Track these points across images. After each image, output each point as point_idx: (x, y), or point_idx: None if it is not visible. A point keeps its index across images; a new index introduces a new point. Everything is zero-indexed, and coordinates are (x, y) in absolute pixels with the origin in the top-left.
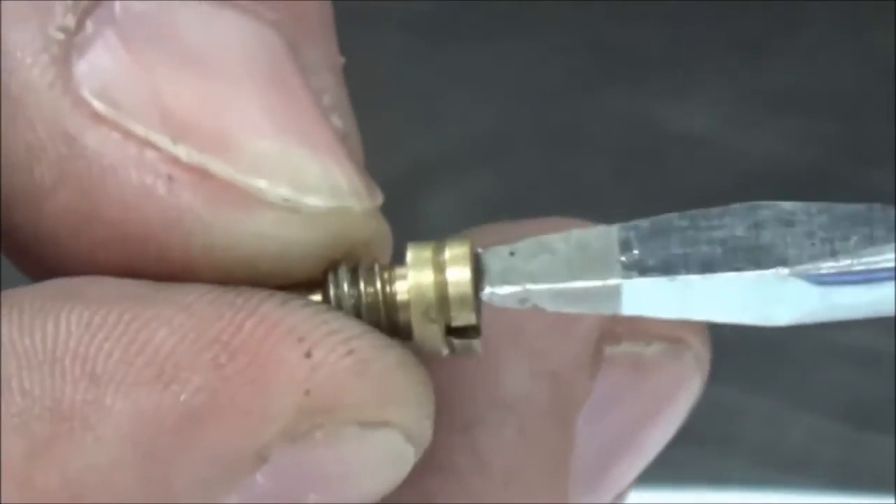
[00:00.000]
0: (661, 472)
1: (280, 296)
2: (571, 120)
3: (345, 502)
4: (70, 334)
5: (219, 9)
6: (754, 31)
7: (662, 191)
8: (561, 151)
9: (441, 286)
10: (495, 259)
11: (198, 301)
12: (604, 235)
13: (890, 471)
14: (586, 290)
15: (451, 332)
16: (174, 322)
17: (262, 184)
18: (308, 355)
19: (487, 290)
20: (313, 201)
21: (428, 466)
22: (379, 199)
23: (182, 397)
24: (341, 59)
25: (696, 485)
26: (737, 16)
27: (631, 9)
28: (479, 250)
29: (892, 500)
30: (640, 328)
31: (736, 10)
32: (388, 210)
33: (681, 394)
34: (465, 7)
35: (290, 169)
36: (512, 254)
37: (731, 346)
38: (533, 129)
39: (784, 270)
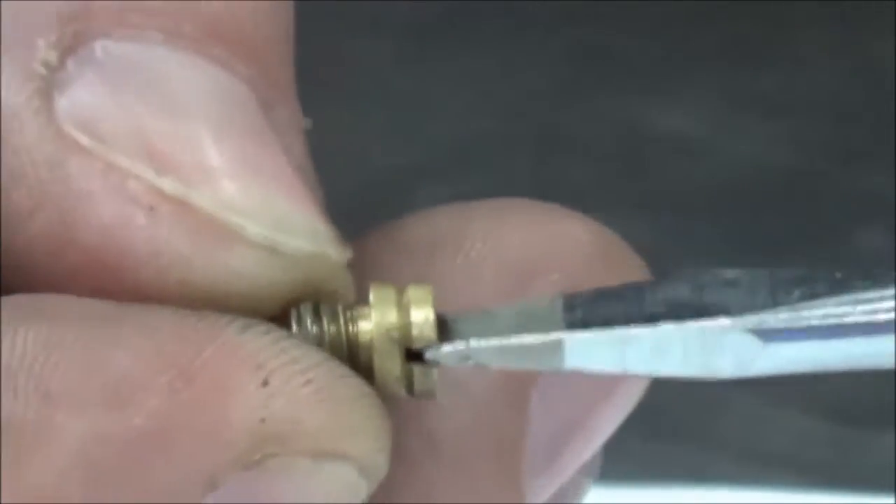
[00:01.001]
0: (643, 469)
1: (241, 322)
2: (560, 124)
3: None
4: (26, 351)
5: (196, 57)
6: (744, 34)
7: (651, 194)
8: (549, 155)
9: (405, 324)
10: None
11: (158, 324)
12: (548, 301)
13: (874, 469)
14: (529, 346)
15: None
16: (133, 344)
17: (244, 221)
18: (265, 383)
19: (430, 350)
20: (294, 243)
21: None
22: (350, 253)
23: (135, 421)
24: (308, 123)
25: (679, 482)
26: (726, 19)
27: (620, 13)
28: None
29: (876, 499)
30: None
31: (726, 14)
32: (377, 214)
33: None
34: (453, 13)
35: (272, 210)
36: (455, 321)
37: None
38: (522, 133)
39: (726, 322)
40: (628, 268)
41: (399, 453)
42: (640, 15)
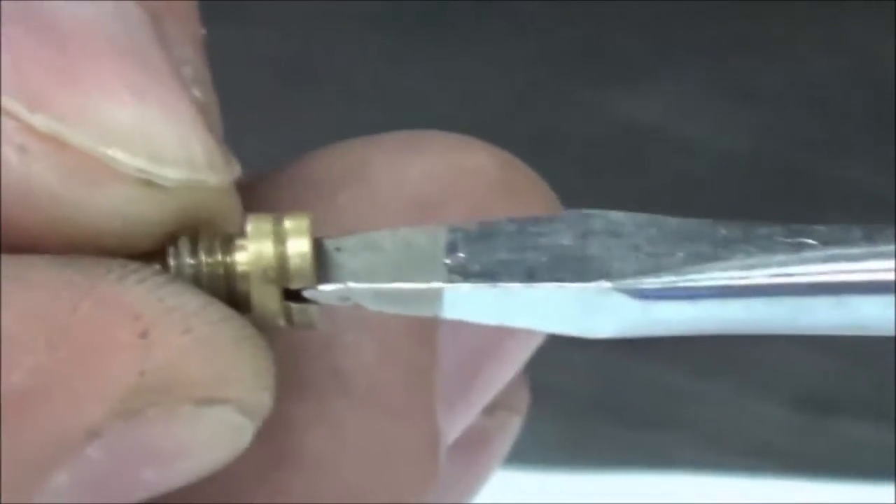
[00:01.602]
0: (610, 455)
1: (118, 272)
2: (541, 118)
3: (180, 478)
4: None
5: None
6: (721, 24)
7: (632, 186)
8: (530, 149)
9: (281, 256)
10: (321, 254)
11: (35, 278)
12: (432, 235)
13: (842, 457)
14: (408, 293)
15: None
16: (11, 302)
17: (117, 154)
18: (144, 335)
19: (308, 290)
20: (168, 173)
21: (287, 391)
22: (236, 171)
23: (13, 378)
24: (202, 31)
25: (646, 469)
26: (705, 10)
27: (602, 9)
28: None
29: (842, 485)
30: None
31: (705, 8)
32: None
33: None
34: (439, 10)
35: (147, 139)
36: (338, 249)
37: None
38: (503, 127)
39: (606, 284)
40: (534, 195)
41: (307, 391)
42: (621, 8)
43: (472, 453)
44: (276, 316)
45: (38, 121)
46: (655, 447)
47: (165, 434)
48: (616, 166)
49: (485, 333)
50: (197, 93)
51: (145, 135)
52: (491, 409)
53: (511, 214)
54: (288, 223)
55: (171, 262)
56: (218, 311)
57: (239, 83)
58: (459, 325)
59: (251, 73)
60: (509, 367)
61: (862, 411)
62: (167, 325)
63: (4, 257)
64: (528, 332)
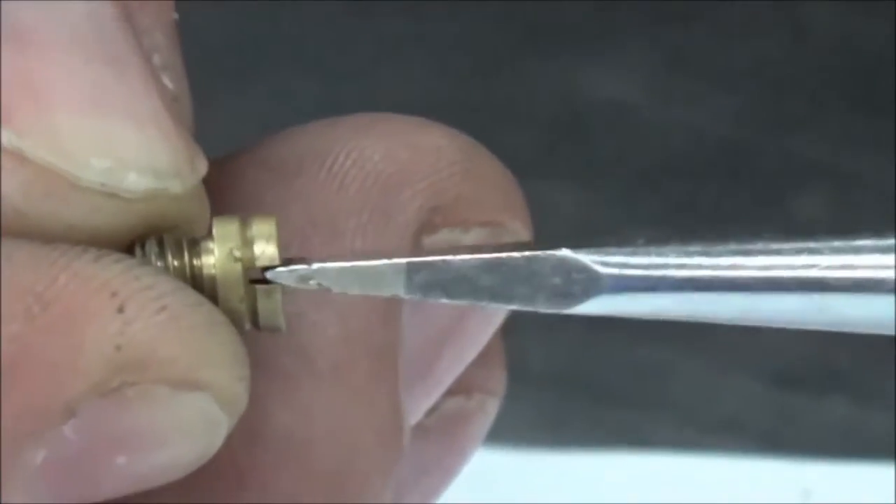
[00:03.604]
0: (586, 434)
1: (94, 252)
2: (497, 91)
3: (151, 472)
4: None
5: None
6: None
7: (589, 161)
8: (487, 123)
9: (248, 260)
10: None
11: (15, 252)
12: (391, 267)
13: (818, 435)
14: (370, 271)
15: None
16: None
17: (77, 169)
18: (120, 310)
19: (271, 272)
20: (131, 184)
21: (254, 371)
22: (202, 169)
23: None
24: (174, 16)
25: (622, 447)
26: None
27: None
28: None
29: (820, 464)
30: (458, 216)
31: None
32: None
33: None
34: None
35: (109, 151)
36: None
37: None
38: (459, 101)
39: (567, 251)
40: (491, 174)
41: (273, 372)
42: None
43: (451, 435)
44: (241, 315)
45: (3, 137)
46: (633, 425)
47: (142, 416)
48: (578, 141)
49: (447, 313)
50: (167, 81)
51: (107, 147)
52: (469, 392)
53: (470, 195)
54: (255, 227)
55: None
56: (191, 295)
57: (202, 59)
58: (422, 306)
59: (214, 49)
60: (472, 347)
61: (841, 389)
62: (143, 301)
63: None
64: (490, 312)
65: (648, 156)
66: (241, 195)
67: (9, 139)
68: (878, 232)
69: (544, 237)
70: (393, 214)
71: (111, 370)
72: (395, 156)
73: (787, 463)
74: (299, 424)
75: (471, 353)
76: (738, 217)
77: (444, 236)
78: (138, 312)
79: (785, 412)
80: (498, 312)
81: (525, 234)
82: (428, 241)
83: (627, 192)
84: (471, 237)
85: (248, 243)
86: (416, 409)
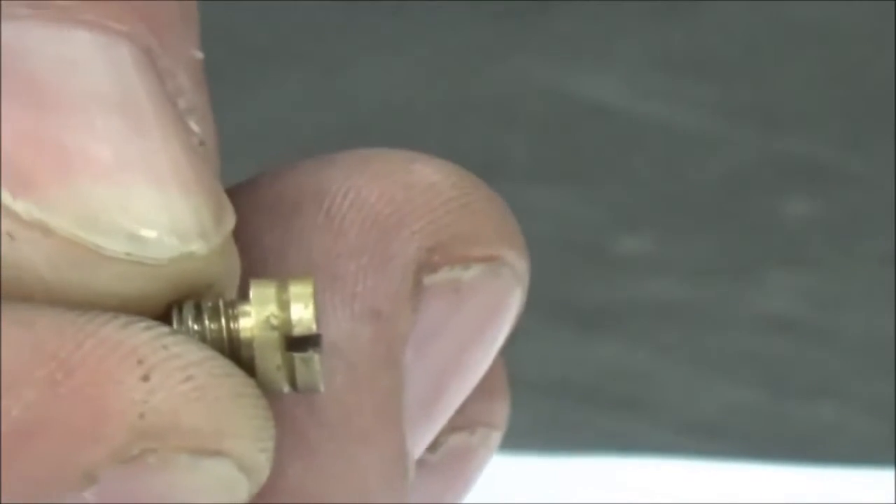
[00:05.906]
0: (569, 438)
1: (122, 318)
2: (483, 89)
3: None
4: None
5: (66, 30)
6: None
7: (575, 159)
8: (473, 121)
9: (285, 323)
10: None
11: (37, 319)
12: None
13: (804, 440)
14: None
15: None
16: (10, 337)
17: (102, 240)
18: (145, 378)
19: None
20: (155, 252)
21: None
22: (230, 223)
23: (14, 412)
24: (200, 56)
25: (606, 452)
26: None
27: None
28: None
29: (808, 469)
30: (457, 253)
31: None
32: None
33: (502, 310)
34: None
35: (132, 215)
36: None
37: (645, 310)
38: (445, 99)
39: None
40: (486, 206)
41: (288, 425)
42: None
43: (455, 471)
44: (279, 377)
45: (21, 208)
46: (616, 430)
47: (162, 483)
48: (564, 139)
49: (448, 349)
50: (193, 124)
51: (129, 213)
52: (472, 427)
53: (467, 231)
54: (292, 289)
55: (175, 326)
56: (221, 365)
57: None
58: (423, 346)
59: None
60: (472, 379)
61: (830, 394)
62: (169, 371)
63: (5, 303)
64: (490, 345)
65: (637, 157)
66: (239, 238)
67: (28, 210)
68: None
69: (531, 239)
70: (392, 256)
71: (133, 437)
72: (391, 196)
73: (774, 468)
74: (311, 476)
75: (471, 385)
76: (729, 219)
77: (444, 275)
78: (163, 381)
79: (772, 417)
80: (497, 341)
81: (522, 265)
82: (428, 281)
83: (616, 194)
84: (471, 273)
85: (284, 306)
86: (418, 447)
